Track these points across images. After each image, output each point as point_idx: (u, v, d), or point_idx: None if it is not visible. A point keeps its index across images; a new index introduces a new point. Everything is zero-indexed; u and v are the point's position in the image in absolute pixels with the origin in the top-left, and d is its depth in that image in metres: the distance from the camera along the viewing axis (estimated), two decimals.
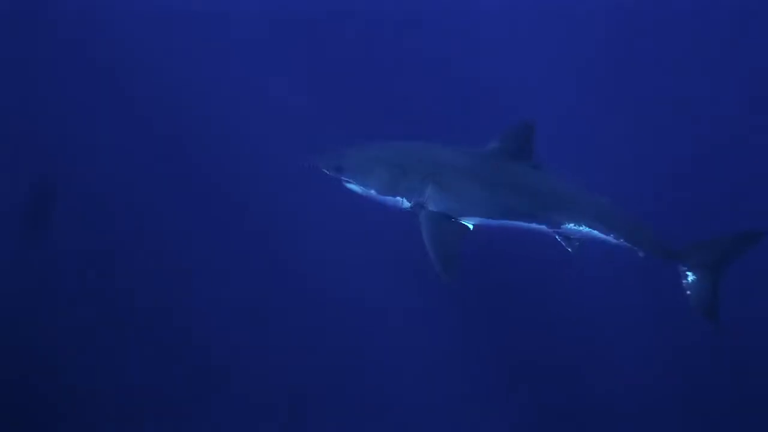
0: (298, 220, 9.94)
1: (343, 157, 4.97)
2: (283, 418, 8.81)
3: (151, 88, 10.74)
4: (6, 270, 9.03)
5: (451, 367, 9.17)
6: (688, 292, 5.15)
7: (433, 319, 9.03)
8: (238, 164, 10.82)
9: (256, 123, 10.67)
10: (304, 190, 9.12)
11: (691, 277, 5.14)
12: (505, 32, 12.17)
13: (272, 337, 9.29)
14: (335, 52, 12.32)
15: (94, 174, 10.33)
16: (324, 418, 8.79)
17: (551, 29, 12.50)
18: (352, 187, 4.92)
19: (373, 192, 4.84)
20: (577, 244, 5.05)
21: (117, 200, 10.29)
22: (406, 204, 4.85)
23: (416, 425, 8.76)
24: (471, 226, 4.79)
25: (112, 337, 8.87)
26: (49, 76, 11.03)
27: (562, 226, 5.00)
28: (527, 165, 4.98)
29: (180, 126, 10.80)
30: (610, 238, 5.07)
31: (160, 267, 9.76)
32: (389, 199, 4.86)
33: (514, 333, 9.02)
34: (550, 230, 5.03)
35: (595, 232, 5.04)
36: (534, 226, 5.01)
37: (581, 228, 4.99)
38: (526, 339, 9.04)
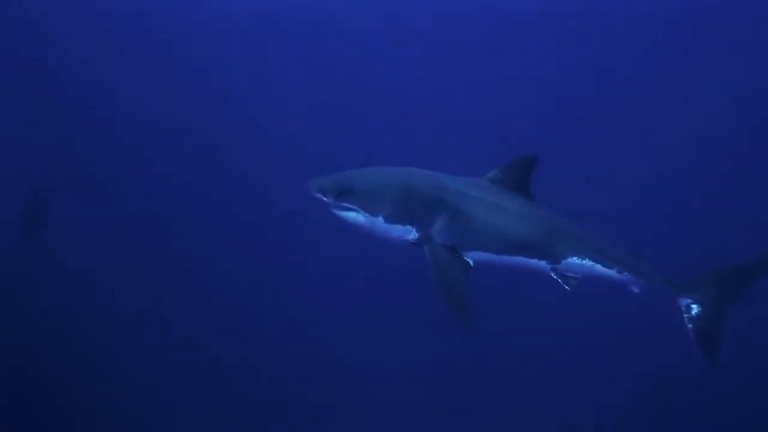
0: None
1: (345, 180, 4.37)
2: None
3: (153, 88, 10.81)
4: (5, 269, 9.12)
5: None
6: (690, 326, 4.79)
7: None
8: (236, 163, 10.95)
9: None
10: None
11: (695, 310, 4.81)
12: None
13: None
14: None
15: (94, 174, 10.38)
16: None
17: None
18: (349, 215, 4.35)
19: (380, 220, 4.28)
20: (575, 281, 4.67)
21: (116, 200, 10.38)
22: (414, 234, 4.36)
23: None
24: (472, 263, 4.39)
25: (111, 336, 8.95)
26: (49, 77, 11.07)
27: (563, 261, 4.65)
28: (527, 198, 4.68)
29: (182, 127, 10.86)
30: (613, 272, 4.77)
31: (159, 267, 9.90)
32: (396, 228, 4.32)
33: None
34: (549, 267, 4.66)
35: (599, 266, 4.72)
36: (534, 262, 4.62)
37: (584, 262, 4.68)
38: None
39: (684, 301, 4.85)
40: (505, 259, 4.58)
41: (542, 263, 4.65)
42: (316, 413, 8.69)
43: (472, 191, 4.53)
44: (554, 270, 4.67)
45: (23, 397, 7.95)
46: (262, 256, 10.27)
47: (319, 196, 4.35)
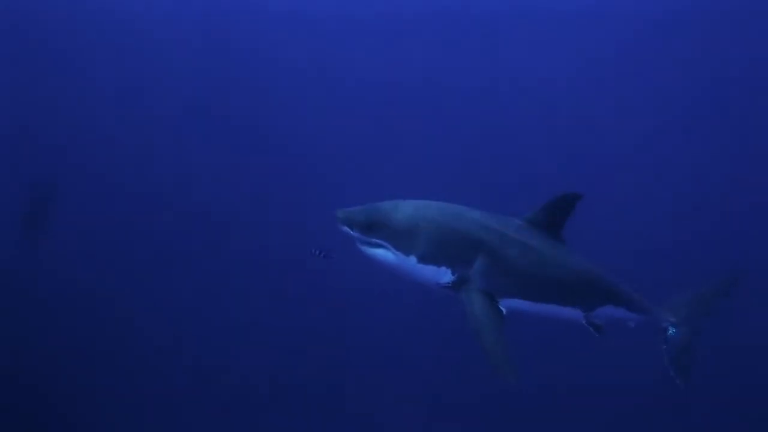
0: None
1: (376, 213, 3.93)
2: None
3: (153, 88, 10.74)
4: (5, 269, 9.03)
5: None
6: (665, 347, 4.84)
7: None
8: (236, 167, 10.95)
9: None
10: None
11: (671, 331, 4.87)
12: None
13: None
14: None
15: (94, 175, 10.32)
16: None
17: None
18: (378, 252, 3.94)
19: (412, 259, 3.85)
20: (603, 327, 4.46)
21: (116, 202, 10.31)
22: (449, 277, 3.93)
23: None
24: (505, 311, 3.98)
25: (110, 337, 8.95)
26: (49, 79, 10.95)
27: (597, 309, 4.42)
28: (560, 240, 4.37)
29: (184, 129, 10.83)
30: (634, 316, 4.70)
31: (158, 268, 9.90)
32: (430, 269, 3.89)
33: None
34: (582, 314, 4.41)
35: (629, 313, 4.62)
36: (568, 310, 4.35)
37: (615, 309, 4.52)
38: None
39: (664, 324, 4.91)
40: (541, 307, 4.25)
41: (576, 311, 4.41)
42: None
43: (513, 233, 4.15)
44: (587, 318, 4.45)
45: (22, 397, 7.91)
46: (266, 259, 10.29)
47: (346, 229, 3.97)
